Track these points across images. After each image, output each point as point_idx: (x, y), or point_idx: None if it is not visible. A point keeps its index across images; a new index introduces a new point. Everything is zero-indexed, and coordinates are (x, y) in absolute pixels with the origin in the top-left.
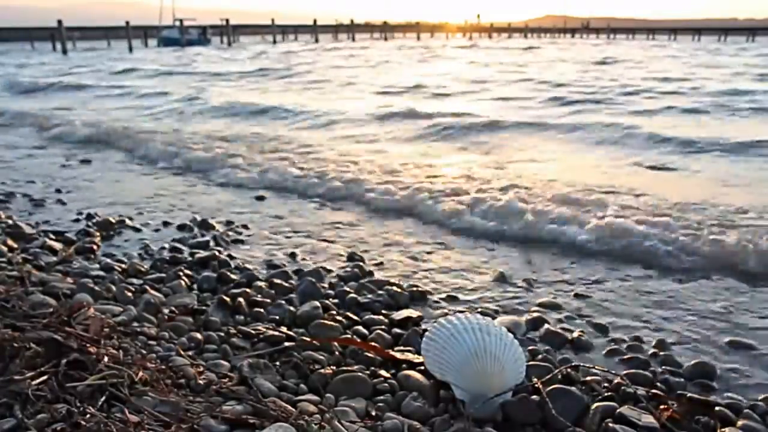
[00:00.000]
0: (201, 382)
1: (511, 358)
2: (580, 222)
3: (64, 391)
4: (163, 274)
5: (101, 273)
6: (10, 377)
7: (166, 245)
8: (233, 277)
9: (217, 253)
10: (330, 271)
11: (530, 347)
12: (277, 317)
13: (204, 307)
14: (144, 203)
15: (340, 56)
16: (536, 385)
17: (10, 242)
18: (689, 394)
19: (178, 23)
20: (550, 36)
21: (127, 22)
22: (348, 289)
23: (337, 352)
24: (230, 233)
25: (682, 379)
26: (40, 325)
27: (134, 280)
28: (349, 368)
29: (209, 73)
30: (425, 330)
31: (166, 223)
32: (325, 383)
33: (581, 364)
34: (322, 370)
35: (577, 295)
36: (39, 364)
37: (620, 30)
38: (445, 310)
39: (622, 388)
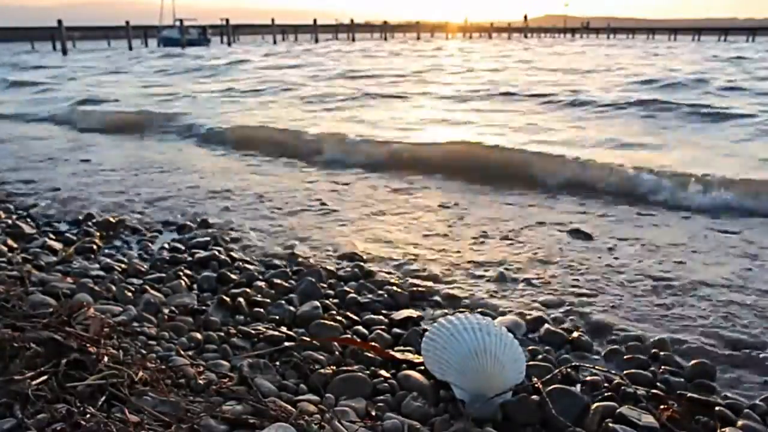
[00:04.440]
0: (201, 382)
1: (511, 358)
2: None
3: (64, 391)
4: (163, 274)
5: (101, 273)
6: (10, 377)
7: (166, 245)
8: (233, 277)
9: (217, 253)
10: (330, 271)
11: (530, 347)
12: (277, 317)
13: (204, 307)
14: (144, 203)
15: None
16: (536, 385)
17: (10, 242)
18: (689, 394)
19: (178, 23)
20: (550, 36)
21: (127, 22)
22: (348, 289)
23: (337, 352)
24: (230, 233)
25: (682, 379)
26: (40, 325)
27: (134, 280)
28: (349, 368)
29: None
30: (425, 330)
31: (166, 223)
32: (325, 383)
33: (581, 364)
34: (322, 370)
35: (577, 295)
36: (39, 364)
37: (620, 30)
38: (445, 310)
39: (622, 388)
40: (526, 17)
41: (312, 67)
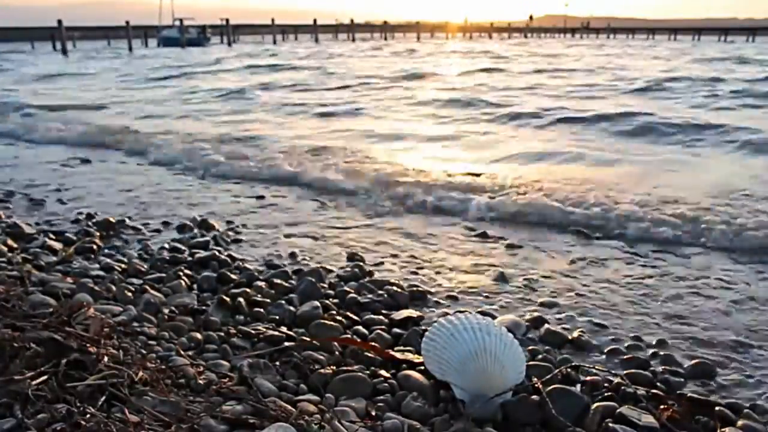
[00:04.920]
0: (201, 382)
1: (511, 358)
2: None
3: (64, 391)
4: (163, 274)
5: (101, 273)
6: (10, 377)
7: (166, 245)
8: (233, 277)
9: (217, 253)
10: (330, 271)
11: (530, 347)
12: (277, 317)
13: (204, 307)
14: (144, 203)
15: None
16: (536, 385)
17: (10, 242)
18: (689, 394)
19: (177, 23)
20: (550, 36)
21: (127, 22)
22: (348, 289)
23: (337, 352)
24: (230, 233)
25: (682, 379)
26: (40, 325)
27: (134, 280)
28: (349, 368)
29: None
30: (425, 330)
31: (166, 223)
32: (325, 383)
33: (581, 364)
34: (322, 370)
35: (577, 295)
36: (39, 364)
37: (620, 30)
38: (445, 310)
39: (622, 388)
40: (531, 17)
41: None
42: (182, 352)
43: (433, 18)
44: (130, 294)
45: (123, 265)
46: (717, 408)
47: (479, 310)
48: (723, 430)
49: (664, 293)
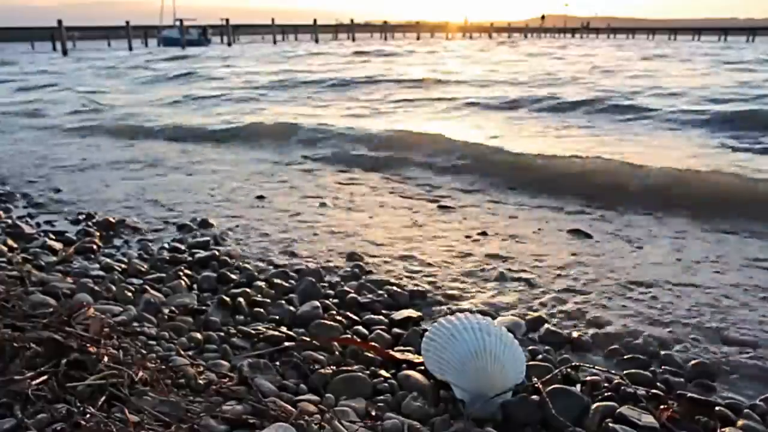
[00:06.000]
0: (201, 382)
1: (511, 358)
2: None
3: (64, 391)
4: (163, 274)
5: (101, 273)
6: (10, 377)
7: (166, 245)
8: (233, 277)
9: (217, 253)
10: (330, 271)
11: (530, 347)
12: (277, 317)
13: (204, 307)
14: (144, 203)
15: None
16: (536, 385)
17: (10, 242)
18: (689, 394)
19: (178, 23)
20: (551, 36)
21: (128, 22)
22: (348, 289)
23: (337, 352)
24: (230, 233)
25: (682, 379)
26: (40, 325)
27: (134, 280)
28: (349, 368)
29: None
30: (425, 330)
31: (166, 223)
32: (325, 383)
33: (581, 364)
34: (322, 370)
35: (577, 295)
36: (39, 364)
37: (620, 30)
38: (445, 310)
39: (622, 388)
40: (543, 17)
41: None
42: (182, 352)
43: (434, 18)
44: (130, 294)
45: (123, 265)
46: (717, 408)
47: (479, 309)
48: (723, 430)
49: (664, 293)
